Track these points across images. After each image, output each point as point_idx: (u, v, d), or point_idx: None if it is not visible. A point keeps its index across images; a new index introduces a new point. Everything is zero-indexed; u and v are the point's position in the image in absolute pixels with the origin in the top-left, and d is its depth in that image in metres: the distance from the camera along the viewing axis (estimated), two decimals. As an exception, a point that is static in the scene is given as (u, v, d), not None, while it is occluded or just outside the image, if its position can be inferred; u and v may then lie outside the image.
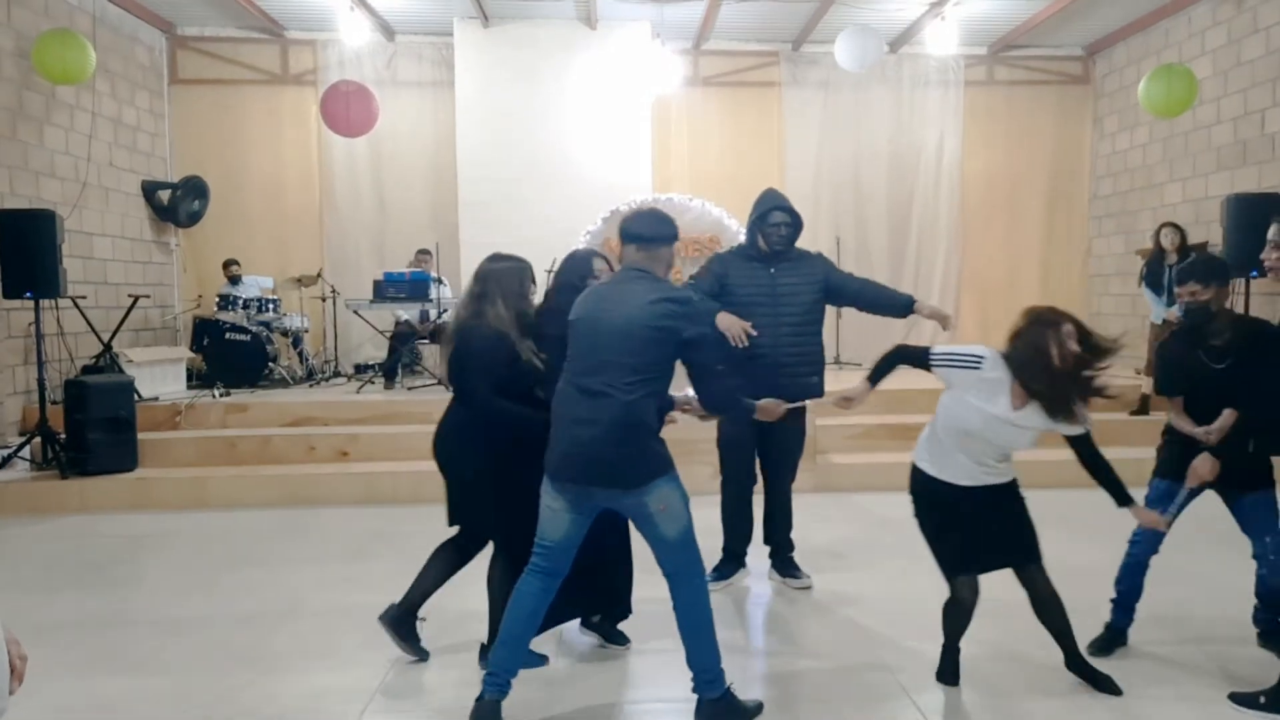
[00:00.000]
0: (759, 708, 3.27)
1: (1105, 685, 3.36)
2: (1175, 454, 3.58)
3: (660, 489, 3.10)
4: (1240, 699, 3.24)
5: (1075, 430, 3.23)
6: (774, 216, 4.59)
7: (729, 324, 4.13)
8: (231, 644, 3.92)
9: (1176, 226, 8.10)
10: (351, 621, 4.24)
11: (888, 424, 7.26)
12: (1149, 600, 3.76)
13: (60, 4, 8.47)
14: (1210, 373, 3.50)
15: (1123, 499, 3.33)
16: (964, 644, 3.86)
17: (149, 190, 9.97)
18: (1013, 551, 3.37)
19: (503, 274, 3.61)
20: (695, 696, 3.17)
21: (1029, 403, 3.18)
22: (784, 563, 4.77)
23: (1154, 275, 8.33)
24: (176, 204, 10.08)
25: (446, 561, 3.79)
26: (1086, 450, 3.30)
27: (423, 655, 3.78)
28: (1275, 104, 8.25)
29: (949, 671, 3.50)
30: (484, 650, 3.70)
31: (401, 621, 3.73)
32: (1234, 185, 8.54)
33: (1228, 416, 3.40)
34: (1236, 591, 3.97)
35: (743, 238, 7.38)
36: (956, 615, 3.45)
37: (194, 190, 10.21)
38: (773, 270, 4.54)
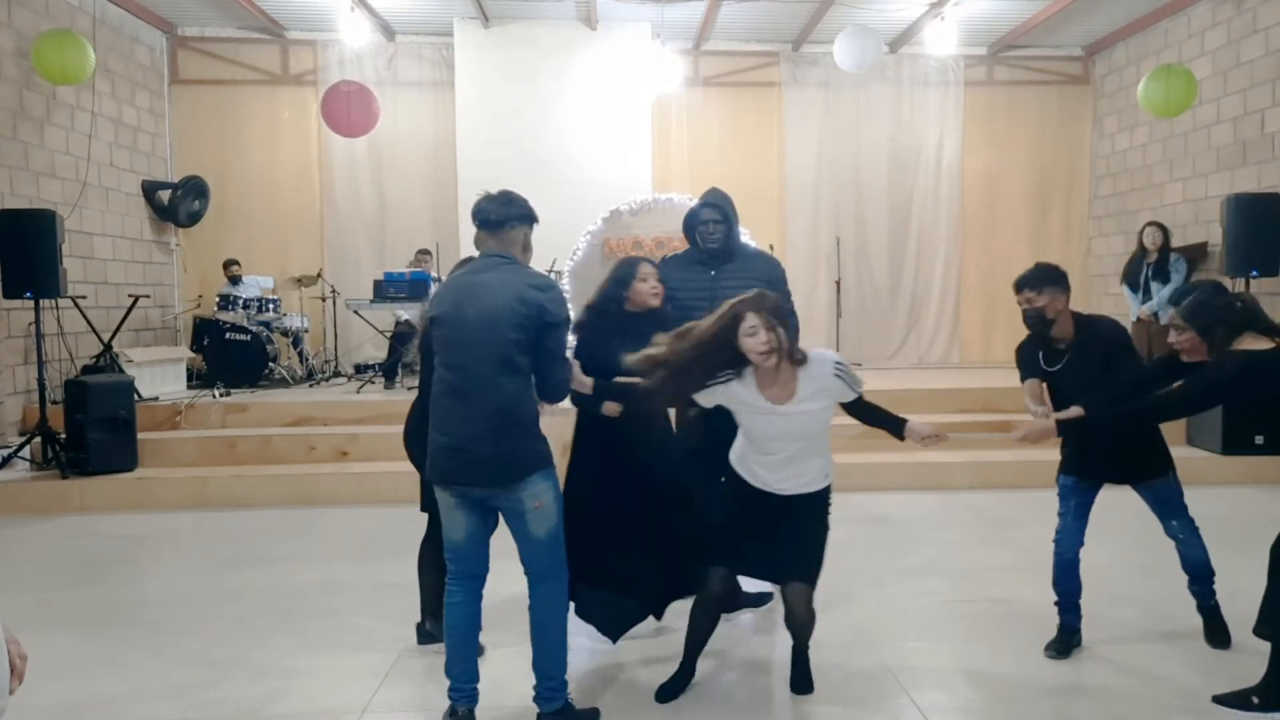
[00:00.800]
0: (595, 715, 3.25)
1: (800, 685, 3.42)
2: (1073, 450, 3.72)
3: (535, 485, 3.01)
4: (1228, 700, 3.20)
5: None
6: (703, 214, 4.32)
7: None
8: (231, 644, 3.92)
9: (1160, 226, 8.12)
10: (352, 621, 4.25)
11: (887, 424, 7.24)
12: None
13: (61, 4, 8.48)
14: (1050, 374, 3.69)
15: (898, 428, 3.31)
16: (966, 640, 3.88)
17: (149, 190, 9.97)
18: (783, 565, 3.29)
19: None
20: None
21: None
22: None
23: (1132, 274, 8.37)
24: (177, 204, 10.08)
25: (436, 559, 3.76)
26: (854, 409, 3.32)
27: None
28: (1275, 104, 8.25)
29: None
30: (420, 629, 3.89)
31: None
32: (1234, 185, 8.55)
33: (1075, 410, 3.45)
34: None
35: (743, 238, 7.43)
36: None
37: (194, 190, 10.22)
38: (713, 273, 4.26)
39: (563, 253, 8.54)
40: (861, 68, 9.48)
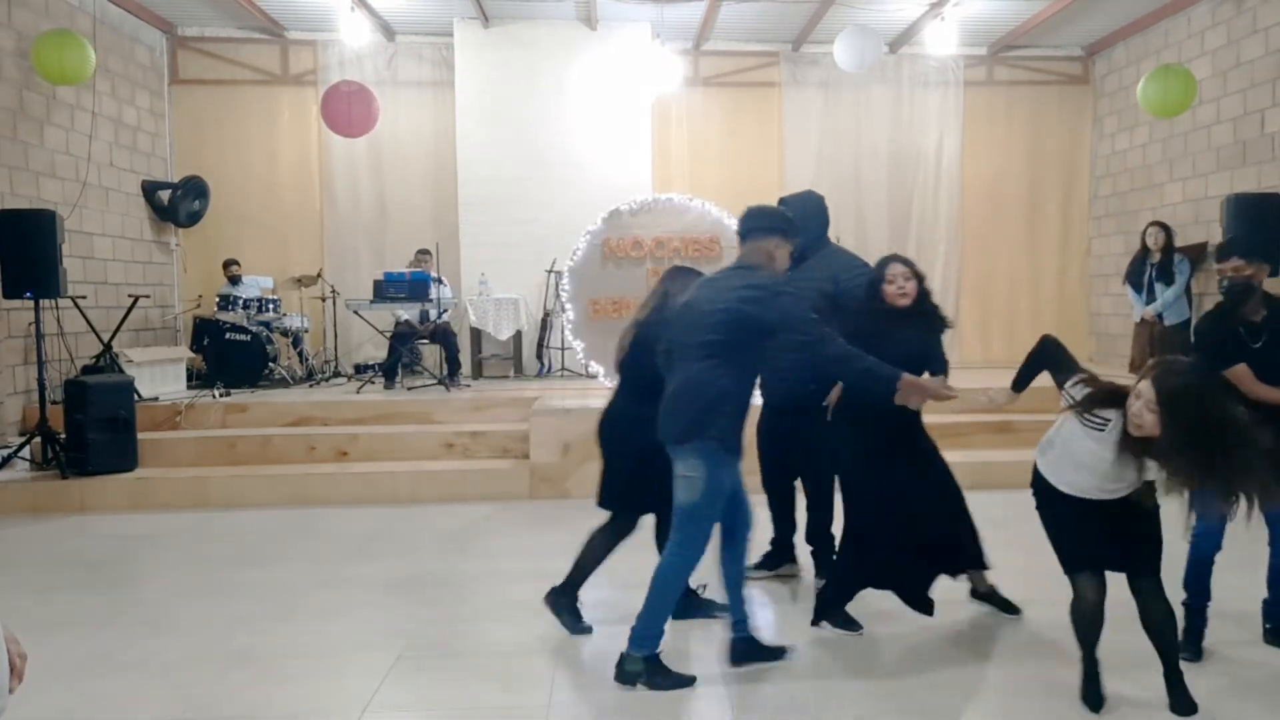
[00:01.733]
0: (689, 681, 3.45)
1: (1182, 707, 3.16)
2: None
3: (691, 458, 3.33)
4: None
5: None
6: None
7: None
8: (231, 644, 3.92)
9: (1163, 226, 8.11)
10: (352, 621, 4.25)
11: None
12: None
13: (61, 4, 8.48)
14: (1253, 353, 3.49)
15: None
16: (971, 649, 3.86)
17: (149, 190, 9.97)
18: (1129, 559, 3.17)
19: (684, 279, 4.01)
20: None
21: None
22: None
23: (1135, 274, 8.35)
24: (177, 204, 10.08)
25: (603, 544, 4.04)
26: None
27: (585, 630, 4.01)
28: (1275, 104, 8.25)
29: (1091, 694, 3.24)
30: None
31: (562, 600, 4.02)
32: (1233, 185, 8.54)
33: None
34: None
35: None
36: (1079, 618, 3.24)
37: (194, 190, 10.22)
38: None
39: (563, 253, 8.54)
40: (861, 68, 9.48)
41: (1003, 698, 3.41)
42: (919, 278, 4.09)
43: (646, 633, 3.45)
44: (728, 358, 3.37)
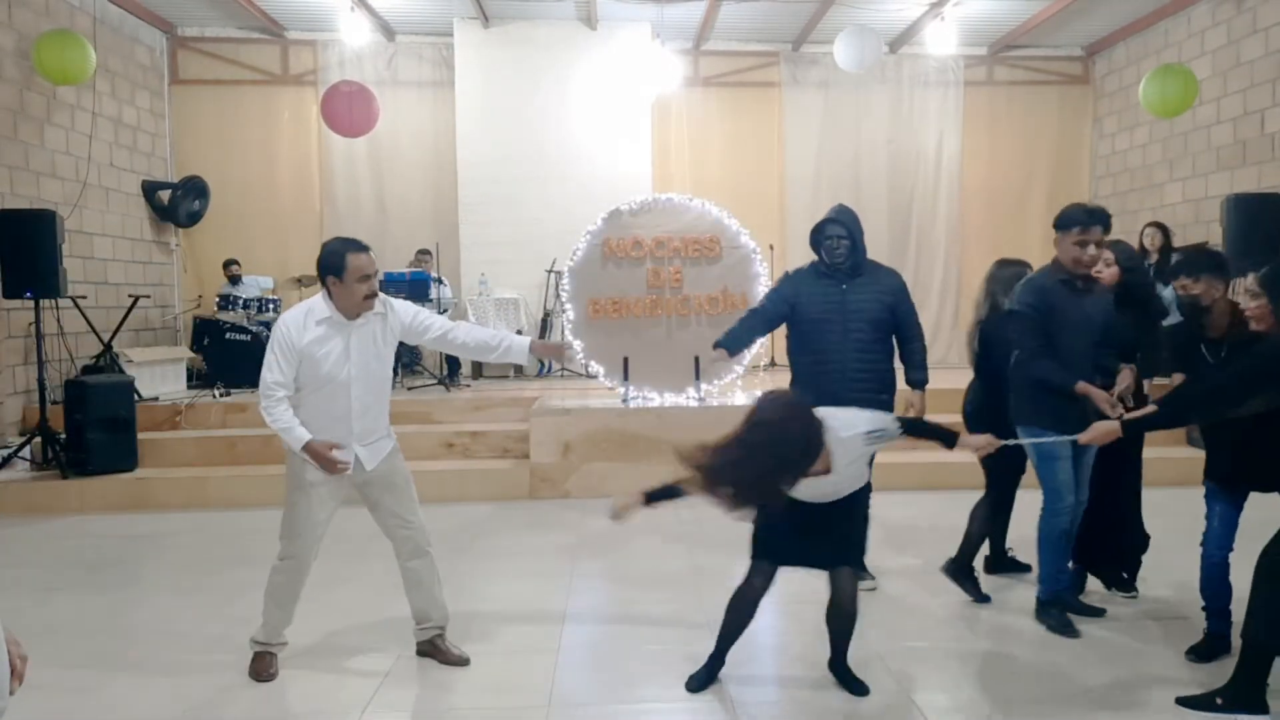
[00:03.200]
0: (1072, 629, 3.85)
1: (855, 688, 3.39)
2: (1211, 456, 3.60)
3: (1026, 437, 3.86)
4: (1192, 702, 3.18)
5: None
6: (828, 229, 4.51)
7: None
8: (231, 644, 3.91)
9: (1160, 227, 8.10)
10: (352, 622, 4.25)
11: (887, 424, 7.25)
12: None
13: (61, 4, 8.48)
14: (1208, 367, 3.55)
15: (950, 440, 3.41)
16: (967, 640, 3.86)
17: (149, 190, 9.97)
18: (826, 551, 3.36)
19: (1006, 278, 4.39)
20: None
21: None
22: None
23: None
24: (177, 204, 10.09)
25: (983, 517, 4.43)
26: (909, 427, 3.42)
27: (983, 598, 4.30)
28: (1275, 104, 8.25)
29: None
30: (988, 563, 4.66)
31: (961, 572, 4.39)
32: (1234, 185, 8.55)
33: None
34: None
35: (743, 238, 7.43)
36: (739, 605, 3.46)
37: (194, 190, 10.22)
38: (844, 286, 4.42)
39: (563, 253, 8.54)
40: (861, 67, 9.48)
41: (1004, 699, 3.41)
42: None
43: (1045, 577, 3.97)
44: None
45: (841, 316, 4.38)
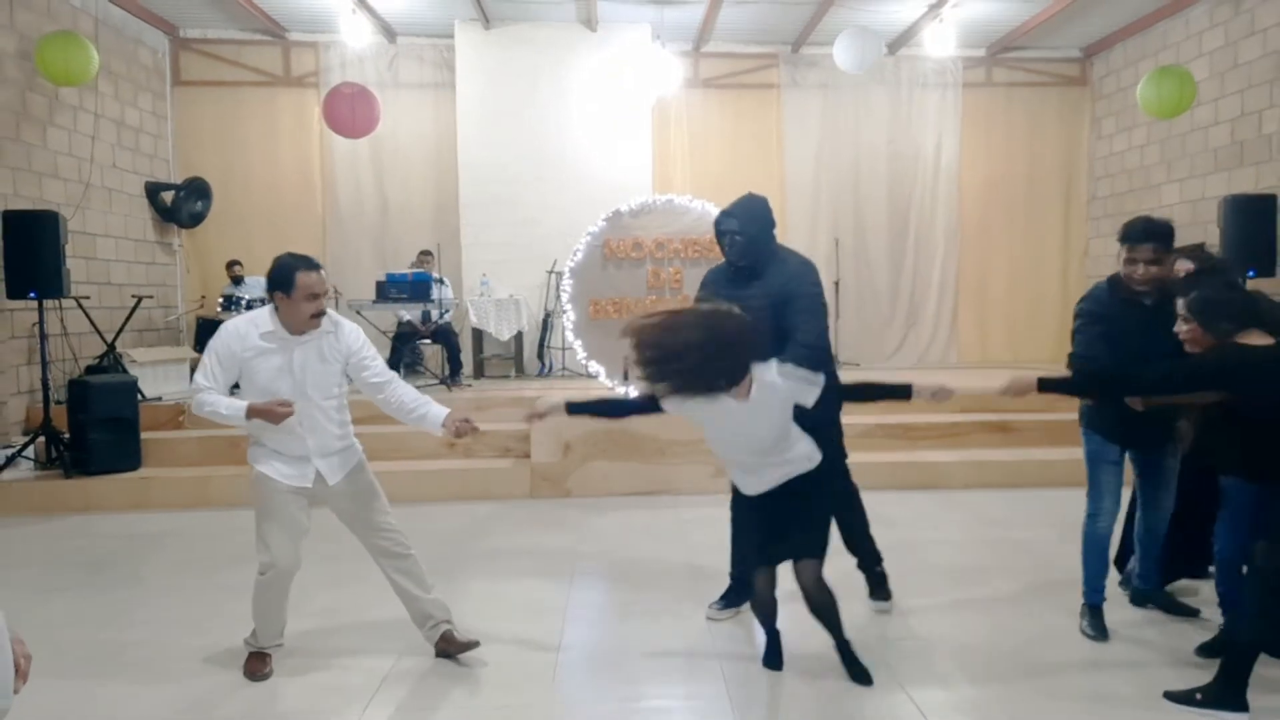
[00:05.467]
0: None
1: (857, 675, 3.46)
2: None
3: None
4: (1176, 696, 3.25)
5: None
6: (722, 224, 3.95)
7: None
8: (232, 644, 3.94)
9: None
10: (352, 621, 4.27)
11: (886, 424, 7.28)
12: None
13: (63, 6, 8.51)
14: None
15: (905, 393, 3.44)
16: (966, 637, 3.89)
17: (152, 191, 10.00)
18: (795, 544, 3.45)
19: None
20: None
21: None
22: (868, 575, 4.39)
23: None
24: (179, 205, 10.12)
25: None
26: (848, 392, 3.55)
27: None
28: (1272, 105, 8.28)
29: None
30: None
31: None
32: (1231, 186, 8.57)
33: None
34: None
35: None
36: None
37: (196, 191, 10.25)
38: (740, 290, 3.81)
39: (563, 253, 8.56)
40: (861, 69, 9.51)
41: (1001, 699, 3.44)
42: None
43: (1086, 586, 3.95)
44: None
45: None
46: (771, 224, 4.01)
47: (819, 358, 3.66)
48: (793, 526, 3.41)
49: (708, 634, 4.02)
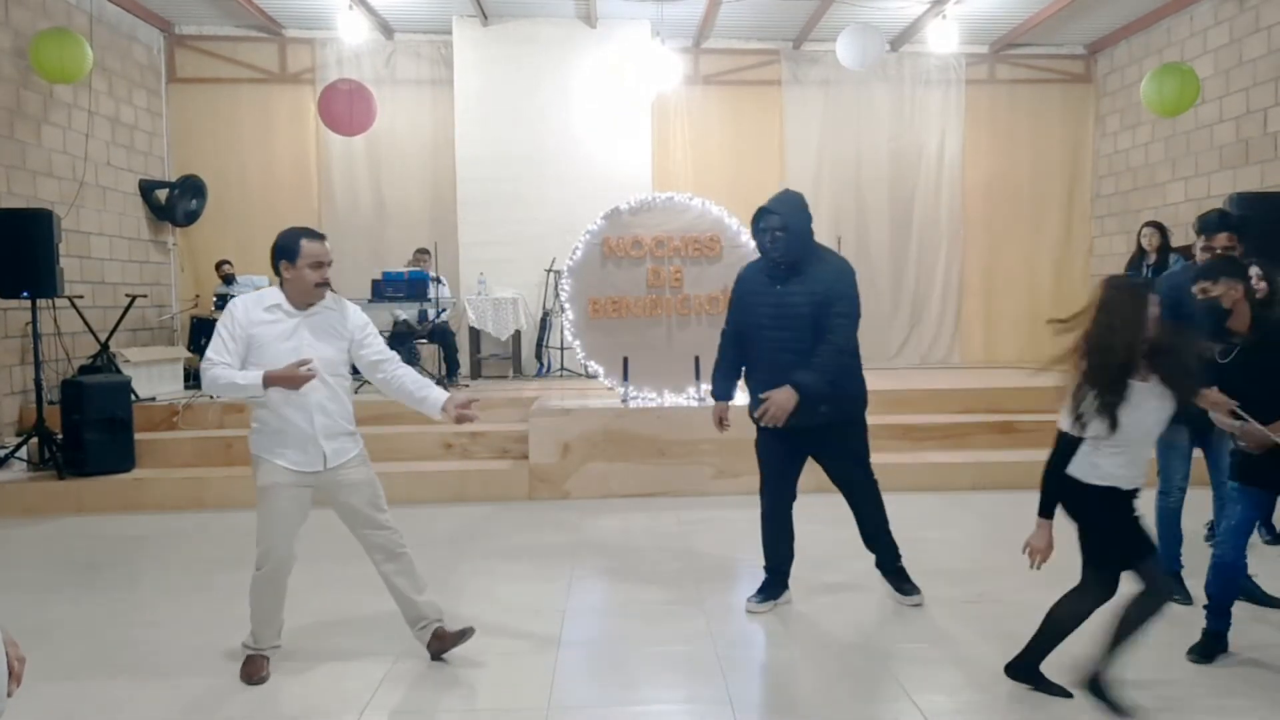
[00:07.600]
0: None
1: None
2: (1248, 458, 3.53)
3: None
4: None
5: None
6: (761, 220, 3.95)
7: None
8: (230, 644, 3.88)
9: (1158, 226, 8.07)
10: (350, 622, 4.22)
11: (887, 424, 7.21)
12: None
13: (58, 2, 8.45)
14: (1220, 368, 3.54)
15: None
16: (967, 641, 3.84)
17: (146, 189, 9.94)
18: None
19: None
20: None
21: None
22: (889, 574, 4.39)
23: (1133, 274, 8.30)
24: (174, 203, 10.05)
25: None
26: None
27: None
28: (1277, 103, 8.22)
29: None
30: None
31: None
32: (1236, 184, 8.52)
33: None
34: None
35: (744, 237, 7.38)
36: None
37: (191, 189, 10.19)
38: (778, 287, 3.96)
39: (562, 252, 8.50)
40: (863, 66, 9.46)
41: (1002, 700, 3.38)
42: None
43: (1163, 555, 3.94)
44: None
45: (774, 321, 3.93)
46: (810, 219, 4.04)
47: (847, 361, 3.97)
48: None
49: (708, 634, 3.98)
